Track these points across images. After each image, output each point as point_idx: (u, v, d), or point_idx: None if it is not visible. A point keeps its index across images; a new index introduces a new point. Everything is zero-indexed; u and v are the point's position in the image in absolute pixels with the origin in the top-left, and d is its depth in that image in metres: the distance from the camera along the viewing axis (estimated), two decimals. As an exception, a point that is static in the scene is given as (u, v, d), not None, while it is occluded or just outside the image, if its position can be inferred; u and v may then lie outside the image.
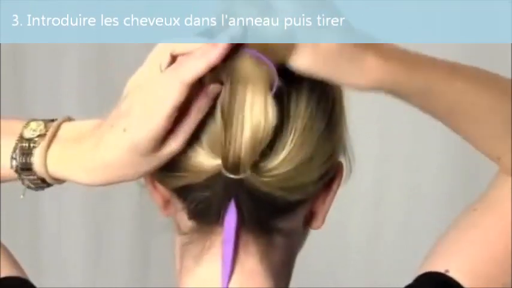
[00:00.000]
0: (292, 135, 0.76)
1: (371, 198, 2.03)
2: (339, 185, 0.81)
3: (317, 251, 1.91)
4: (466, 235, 0.81)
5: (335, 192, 0.81)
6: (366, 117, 1.93)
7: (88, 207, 2.10)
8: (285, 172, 0.75)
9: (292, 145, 0.76)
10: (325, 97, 0.80)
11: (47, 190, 0.79)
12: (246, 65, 0.76)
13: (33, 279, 0.87)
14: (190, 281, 0.81)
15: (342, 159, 0.82)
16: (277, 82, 0.75)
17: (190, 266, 0.82)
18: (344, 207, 1.91)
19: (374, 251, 1.97)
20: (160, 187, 0.82)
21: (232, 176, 0.73)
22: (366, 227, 2.04)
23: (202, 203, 0.78)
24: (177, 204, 0.82)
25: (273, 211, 0.78)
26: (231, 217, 0.76)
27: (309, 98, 0.79)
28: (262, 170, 0.74)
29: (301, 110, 0.77)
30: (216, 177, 0.75)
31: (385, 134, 2.01)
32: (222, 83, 0.76)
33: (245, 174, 0.73)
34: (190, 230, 0.82)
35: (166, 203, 0.83)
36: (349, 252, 2.03)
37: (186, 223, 0.82)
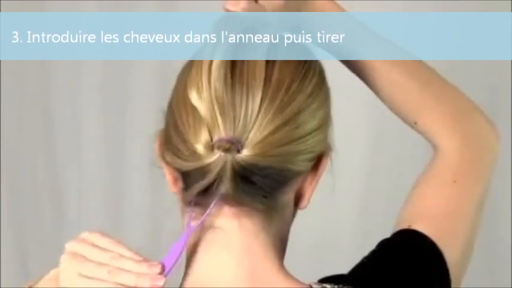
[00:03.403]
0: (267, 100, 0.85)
1: (358, 196, 2.05)
2: (324, 169, 0.91)
3: (306, 250, 1.93)
4: (416, 202, 0.99)
5: (320, 175, 0.91)
6: (354, 119, 1.96)
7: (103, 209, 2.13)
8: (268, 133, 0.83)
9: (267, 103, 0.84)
10: (311, 69, 0.89)
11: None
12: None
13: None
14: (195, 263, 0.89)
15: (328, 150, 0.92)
16: None
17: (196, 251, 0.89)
18: (332, 206, 1.93)
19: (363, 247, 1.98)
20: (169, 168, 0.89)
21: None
22: (354, 224, 2.06)
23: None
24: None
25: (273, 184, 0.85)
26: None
27: (295, 65, 0.88)
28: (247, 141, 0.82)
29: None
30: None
31: (373, 135, 2.03)
32: None
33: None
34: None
35: (175, 181, 0.89)
36: (338, 251, 2.04)
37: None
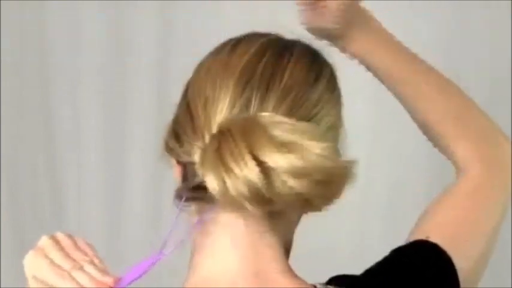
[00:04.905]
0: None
1: (358, 197, 2.05)
2: None
3: (305, 252, 1.93)
4: (435, 215, 1.02)
5: None
6: (354, 122, 1.96)
7: (103, 206, 2.14)
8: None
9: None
10: (322, 74, 0.90)
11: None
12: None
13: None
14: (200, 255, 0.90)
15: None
16: None
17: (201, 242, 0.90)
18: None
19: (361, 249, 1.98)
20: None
21: None
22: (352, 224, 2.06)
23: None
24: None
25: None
26: None
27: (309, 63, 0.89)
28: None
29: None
30: None
31: (373, 137, 2.03)
32: None
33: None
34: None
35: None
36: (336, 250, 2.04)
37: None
